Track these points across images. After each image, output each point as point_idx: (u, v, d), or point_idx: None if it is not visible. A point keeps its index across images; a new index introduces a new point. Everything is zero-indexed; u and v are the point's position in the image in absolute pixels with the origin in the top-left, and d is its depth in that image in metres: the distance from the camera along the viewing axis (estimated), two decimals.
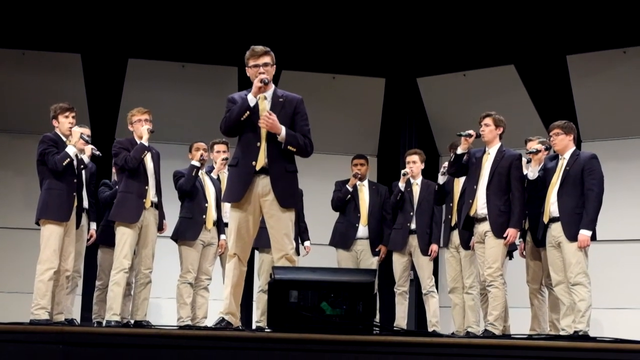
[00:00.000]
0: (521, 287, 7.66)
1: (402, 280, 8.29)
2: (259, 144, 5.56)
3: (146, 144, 7.04)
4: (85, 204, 7.56)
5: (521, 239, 7.52)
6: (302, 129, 5.64)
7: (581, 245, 6.62)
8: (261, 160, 5.54)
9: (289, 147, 5.53)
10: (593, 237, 6.70)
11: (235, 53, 10.20)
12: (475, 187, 7.10)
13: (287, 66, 10.17)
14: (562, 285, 6.79)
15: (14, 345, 4.27)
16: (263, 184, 5.54)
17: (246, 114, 5.54)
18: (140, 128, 7.07)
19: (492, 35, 9.93)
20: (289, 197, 5.59)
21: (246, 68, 5.74)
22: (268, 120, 5.47)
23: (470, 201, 7.10)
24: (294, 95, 5.74)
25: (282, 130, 5.51)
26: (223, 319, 5.69)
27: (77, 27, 9.80)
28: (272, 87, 5.70)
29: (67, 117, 6.96)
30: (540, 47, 9.84)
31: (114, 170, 8.33)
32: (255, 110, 5.57)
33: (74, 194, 6.90)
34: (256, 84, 5.54)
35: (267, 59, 5.65)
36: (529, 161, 7.26)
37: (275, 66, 5.73)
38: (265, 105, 5.61)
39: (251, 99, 5.55)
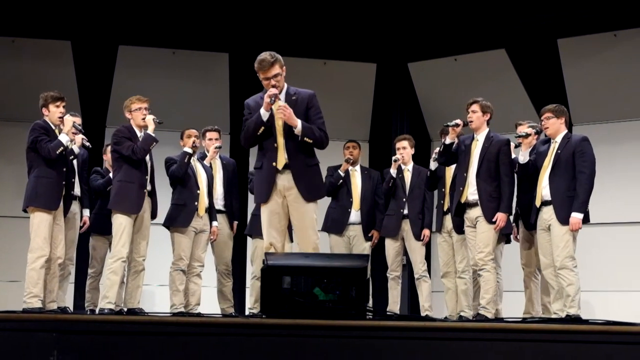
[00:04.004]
0: (515, 270, 7.69)
1: (395, 265, 8.31)
2: (275, 144, 5.78)
3: (153, 134, 7.02)
4: (78, 191, 7.54)
5: (514, 223, 7.54)
6: (316, 122, 5.83)
7: (573, 228, 6.63)
8: (281, 160, 5.76)
9: (305, 138, 5.72)
10: (586, 220, 6.72)
11: (226, 39, 10.23)
12: (465, 174, 7.11)
13: (279, 52, 10.13)
14: (551, 269, 6.81)
15: (7, 334, 4.27)
16: (287, 179, 5.76)
17: (262, 129, 5.75)
18: (146, 118, 7.04)
19: (482, 20, 9.91)
20: (313, 191, 5.81)
21: (257, 75, 5.85)
22: (285, 111, 5.64)
23: (461, 188, 7.11)
24: (306, 90, 5.92)
25: (299, 123, 5.69)
26: None
27: (67, 14, 9.74)
28: (284, 86, 5.86)
29: (57, 106, 6.94)
30: (531, 31, 9.83)
31: (104, 157, 8.32)
32: (269, 119, 5.76)
33: (63, 182, 6.89)
34: (266, 100, 5.70)
35: (276, 70, 5.78)
36: (517, 145, 7.26)
37: (284, 67, 5.83)
38: (279, 105, 5.73)
39: (264, 114, 5.74)
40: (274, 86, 5.71)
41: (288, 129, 5.74)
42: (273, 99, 5.66)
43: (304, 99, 5.83)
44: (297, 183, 5.72)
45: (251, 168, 8.82)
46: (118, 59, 9.94)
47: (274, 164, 5.75)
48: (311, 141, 5.75)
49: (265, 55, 5.78)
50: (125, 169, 7.00)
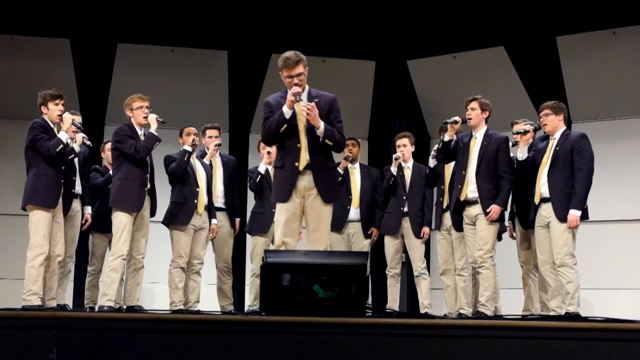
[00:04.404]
0: (513, 268, 7.69)
1: (394, 263, 8.31)
2: (298, 144, 5.80)
3: (156, 133, 7.02)
4: (79, 189, 7.55)
5: (510, 221, 7.55)
6: (335, 125, 5.86)
7: (571, 226, 6.64)
8: (303, 160, 5.79)
9: (326, 140, 5.77)
10: (585, 217, 6.72)
11: (225, 37, 10.23)
12: (464, 172, 7.11)
13: (277, 49, 10.12)
14: (548, 265, 6.82)
15: (6, 331, 4.27)
16: (308, 179, 5.79)
17: (284, 127, 5.76)
18: (149, 117, 7.05)
19: (481, 17, 9.91)
20: (331, 192, 5.89)
21: (279, 72, 5.87)
22: (311, 112, 5.68)
23: (460, 186, 7.11)
24: (327, 94, 5.95)
25: (322, 125, 5.73)
26: None
27: (66, 12, 9.74)
28: (306, 87, 5.88)
29: (57, 104, 6.95)
30: (530, 29, 9.84)
31: (102, 155, 8.32)
32: (292, 118, 5.77)
33: (62, 180, 6.89)
34: (289, 98, 5.71)
35: (300, 69, 5.79)
36: (514, 144, 7.25)
37: (307, 68, 5.85)
38: (301, 107, 5.75)
39: (287, 112, 5.75)
40: (296, 85, 5.74)
41: (311, 129, 5.77)
42: (297, 97, 5.69)
43: (326, 102, 5.87)
44: (317, 184, 5.77)
45: (251, 165, 8.85)
46: (117, 56, 9.95)
47: (296, 164, 5.78)
48: (331, 144, 5.80)
49: (290, 53, 5.82)
50: (127, 167, 7.00)
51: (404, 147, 8.37)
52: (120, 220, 6.90)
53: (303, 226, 5.99)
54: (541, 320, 5.32)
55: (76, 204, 7.48)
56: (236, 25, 10.15)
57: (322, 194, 5.78)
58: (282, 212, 5.82)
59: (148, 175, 7.08)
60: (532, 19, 9.77)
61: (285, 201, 5.80)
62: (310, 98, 5.84)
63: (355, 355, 4.30)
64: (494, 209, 6.91)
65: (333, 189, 5.94)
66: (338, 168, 8.43)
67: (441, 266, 8.01)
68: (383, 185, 8.43)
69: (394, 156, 8.36)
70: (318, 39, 10.17)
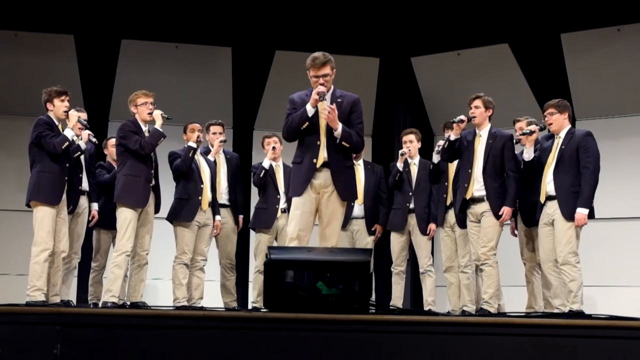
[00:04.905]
0: (516, 265, 7.69)
1: (400, 260, 8.29)
2: (318, 142, 5.89)
3: (160, 129, 7.03)
4: (86, 186, 7.57)
5: (513, 218, 7.54)
6: (356, 126, 5.98)
7: (578, 224, 6.62)
8: (321, 158, 5.88)
9: (343, 142, 5.86)
10: (591, 215, 6.71)
11: (229, 33, 10.22)
12: (469, 170, 7.10)
13: (281, 46, 10.15)
14: (550, 264, 6.81)
15: (11, 327, 4.28)
16: (325, 177, 5.88)
17: (306, 125, 5.87)
18: (154, 113, 7.06)
19: (486, 14, 9.89)
20: (348, 190, 6.00)
21: (307, 71, 5.96)
22: (330, 114, 5.77)
23: (466, 185, 7.10)
24: (351, 94, 6.07)
25: (339, 127, 5.82)
26: None
27: (69, 8, 9.74)
28: (331, 88, 5.98)
29: (62, 100, 6.95)
30: (535, 26, 9.82)
31: (105, 152, 8.32)
32: (314, 116, 5.87)
33: (66, 177, 6.90)
34: (314, 96, 5.80)
35: (326, 70, 5.90)
36: (517, 142, 7.24)
37: (335, 70, 5.95)
38: (324, 105, 5.85)
39: (310, 110, 5.86)
40: (322, 84, 5.82)
41: (330, 128, 5.86)
42: (322, 96, 5.77)
43: (348, 103, 5.98)
44: (335, 182, 5.86)
45: (254, 162, 8.85)
46: (121, 53, 9.95)
47: (314, 160, 5.86)
48: (348, 146, 5.89)
49: (319, 54, 5.91)
50: (131, 163, 7.00)
51: (411, 143, 8.35)
52: (125, 216, 6.90)
53: (316, 223, 6.01)
54: (544, 318, 5.31)
55: (83, 201, 7.51)
56: (240, 22, 10.15)
57: (340, 191, 5.88)
58: (297, 207, 5.91)
59: (153, 171, 7.09)
60: (537, 16, 9.75)
61: (300, 195, 5.87)
62: (333, 98, 5.95)
63: (359, 352, 4.30)
64: (506, 210, 6.93)
65: (350, 188, 6.04)
66: None
67: (445, 263, 8.00)
68: (389, 181, 8.41)
69: (399, 152, 8.35)
70: (322, 35, 10.16)
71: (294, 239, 5.84)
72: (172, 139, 8.34)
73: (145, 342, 4.28)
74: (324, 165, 5.87)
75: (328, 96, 5.90)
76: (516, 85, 9.70)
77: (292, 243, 5.86)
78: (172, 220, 7.73)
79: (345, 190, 5.92)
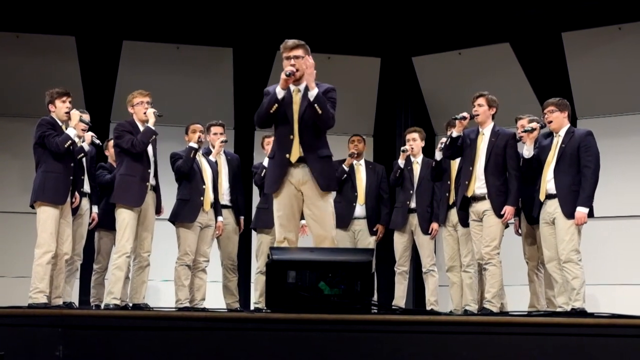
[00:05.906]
0: (518, 264, 7.69)
1: (403, 260, 8.28)
2: (292, 136, 5.72)
3: (153, 127, 7.03)
4: (87, 188, 7.58)
5: (516, 217, 7.54)
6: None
7: (578, 223, 6.64)
8: (295, 153, 5.71)
9: (315, 104, 5.62)
10: (591, 214, 6.72)
11: (230, 34, 10.23)
12: (471, 168, 7.11)
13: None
14: (555, 262, 6.81)
15: (13, 329, 4.29)
16: (302, 172, 5.72)
17: (275, 107, 5.70)
18: (147, 111, 7.05)
19: (487, 13, 9.90)
20: (327, 179, 5.75)
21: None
22: (307, 68, 5.63)
23: (467, 182, 7.11)
24: (326, 84, 5.86)
25: (315, 88, 5.64)
26: None
27: (71, 10, 9.75)
28: (305, 75, 5.75)
29: (64, 101, 6.95)
30: (536, 25, 9.82)
31: (106, 153, 8.33)
32: (286, 102, 5.71)
33: (71, 177, 6.90)
34: (282, 76, 5.67)
35: (298, 52, 5.75)
36: (518, 140, 7.24)
37: (310, 56, 5.78)
38: (299, 99, 5.74)
39: (279, 92, 5.70)
40: (292, 65, 5.69)
41: (305, 120, 5.70)
42: (289, 73, 5.63)
43: (322, 88, 5.76)
44: (313, 173, 5.68)
45: (255, 162, 8.85)
46: (122, 54, 9.95)
47: (287, 155, 5.71)
48: (320, 112, 5.63)
49: (292, 39, 5.82)
50: (127, 163, 7.00)
51: (414, 142, 8.33)
52: (123, 217, 6.90)
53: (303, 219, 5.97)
54: (547, 317, 5.32)
55: (85, 203, 7.53)
56: (241, 23, 10.15)
57: (319, 181, 5.68)
58: (279, 208, 5.80)
59: (150, 171, 7.05)
60: (538, 15, 9.75)
61: (275, 191, 5.76)
62: (306, 90, 5.74)
63: (361, 352, 4.31)
64: (508, 210, 6.93)
65: (328, 176, 5.77)
66: (343, 165, 8.45)
67: (447, 263, 8.00)
68: (390, 178, 8.40)
69: (402, 149, 8.33)
70: (323, 35, 10.15)
71: (281, 243, 5.76)
72: (173, 140, 8.36)
73: (147, 343, 4.29)
74: (300, 160, 5.70)
75: (303, 86, 5.73)
76: (517, 85, 9.69)
77: (281, 245, 5.77)
78: (174, 222, 7.73)
79: (324, 178, 5.70)
